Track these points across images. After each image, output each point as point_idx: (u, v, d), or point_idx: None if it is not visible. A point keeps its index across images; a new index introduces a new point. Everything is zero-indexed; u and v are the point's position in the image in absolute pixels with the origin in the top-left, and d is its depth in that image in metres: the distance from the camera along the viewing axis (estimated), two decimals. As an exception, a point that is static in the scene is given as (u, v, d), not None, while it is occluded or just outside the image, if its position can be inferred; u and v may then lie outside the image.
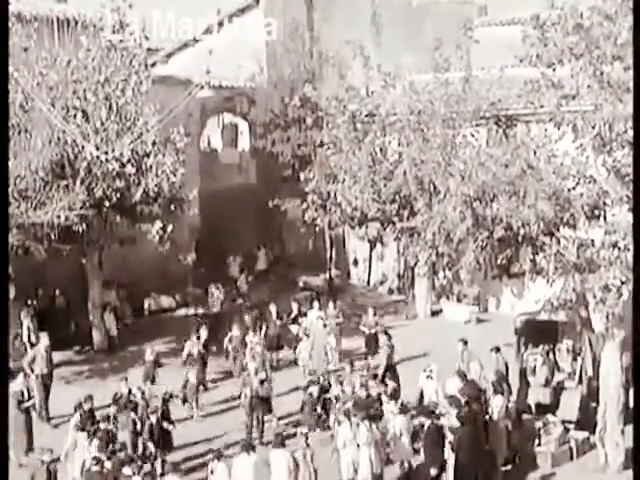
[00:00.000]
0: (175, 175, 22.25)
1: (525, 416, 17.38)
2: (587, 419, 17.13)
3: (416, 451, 16.02)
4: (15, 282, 19.78)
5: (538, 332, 19.86)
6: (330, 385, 18.19)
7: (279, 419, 18.34)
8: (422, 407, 17.12)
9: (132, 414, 16.53)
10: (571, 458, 16.66)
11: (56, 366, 20.29)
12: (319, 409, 17.82)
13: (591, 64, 14.79)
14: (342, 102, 25.17)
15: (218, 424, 18.66)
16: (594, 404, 16.92)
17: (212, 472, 14.66)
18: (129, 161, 21.44)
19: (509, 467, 16.13)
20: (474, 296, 26.81)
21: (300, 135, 29.50)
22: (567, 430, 17.01)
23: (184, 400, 18.74)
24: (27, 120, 20.69)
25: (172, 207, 22.91)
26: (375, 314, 22.32)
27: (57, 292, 24.70)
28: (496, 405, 15.97)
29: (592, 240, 15.91)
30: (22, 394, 17.05)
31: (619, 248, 14.57)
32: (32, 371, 19.16)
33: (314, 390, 17.92)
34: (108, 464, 14.20)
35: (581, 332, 18.04)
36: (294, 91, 29.56)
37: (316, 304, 23.07)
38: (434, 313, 27.33)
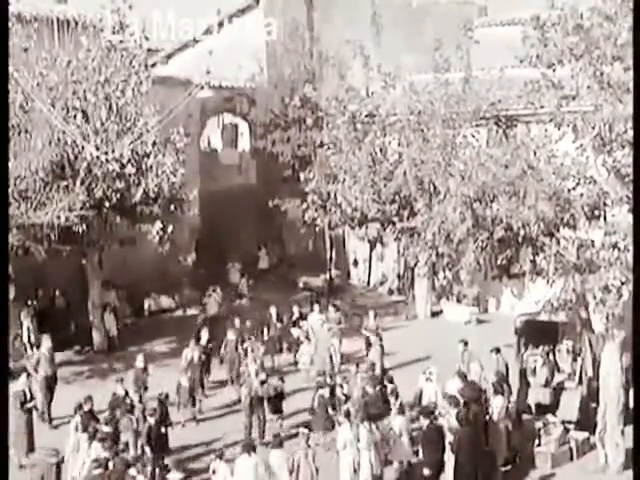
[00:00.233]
0: (175, 175, 22.25)
1: (525, 416, 17.37)
2: (587, 419, 17.12)
3: (415, 452, 15.98)
4: (15, 282, 19.78)
5: (538, 333, 19.85)
6: (342, 387, 18.14)
7: (279, 420, 18.33)
8: (421, 408, 17.11)
9: (131, 416, 16.52)
10: (571, 458, 16.65)
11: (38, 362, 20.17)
12: (330, 411, 17.77)
13: (591, 65, 14.79)
14: (342, 102, 25.18)
15: (215, 428, 18.58)
16: (594, 404, 16.92)
17: (214, 472, 14.66)
18: (129, 161, 21.44)
19: (509, 467, 16.11)
20: (474, 297, 26.81)
21: (300, 135, 29.53)
22: (567, 430, 17.00)
23: (178, 404, 18.48)
24: (27, 120, 20.69)
25: (172, 207, 22.90)
26: (376, 318, 22.22)
27: (57, 292, 24.69)
28: (496, 406, 15.96)
29: (592, 241, 15.91)
30: (24, 395, 17.01)
31: (619, 249, 14.57)
32: (37, 373, 19.11)
33: (325, 392, 17.86)
34: (111, 465, 14.20)
35: (581, 333, 18.03)
36: (294, 91, 29.59)
37: (317, 307, 22.99)
38: (434, 314, 27.33)
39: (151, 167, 22.04)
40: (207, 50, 26.33)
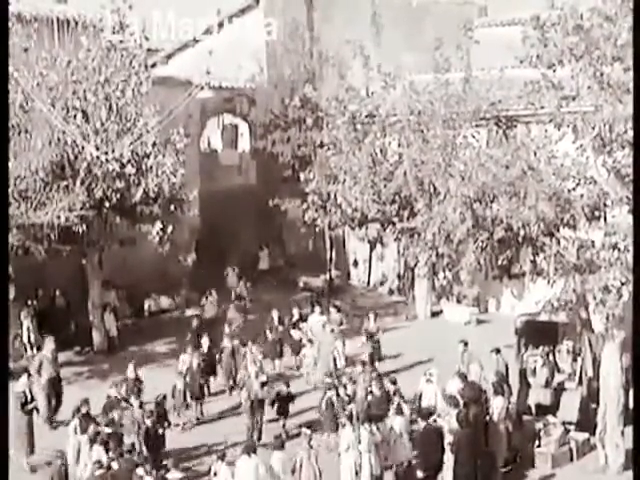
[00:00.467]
0: (175, 176, 22.25)
1: (525, 417, 17.36)
2: (587, 420, 17.12)
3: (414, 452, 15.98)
4: (15, 282, 19.78)
5: (538, 333, 19.84)
6: (346, 388, 18.07)
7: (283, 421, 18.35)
8: (418, 409, 17.10)
9: (133, 417, 16.52)
10: (571, 459, 16.65)
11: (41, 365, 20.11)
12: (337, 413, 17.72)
13: (591, 65, 14.78)
14: (342, 102, 25.17)
15: (215, 430, 18.53)
16: (594, 405, 16.92)
17: (215, 474, 14.64)
18: (129, 162, 21.43)
19: (509, 468, 16.10)
20: (474, 297, 26.80)
21: (300, 136, 29.52)
22: (567, 431, 17.00)
23: (173, 407, 18.22)
24: (27, 120, 20.70)
25: (172, 208, 22.89)
26: (376, 320, 22.17)
27: (57, 293, 24.68)
28: (496, 406, 15.96)
29: (592, 241, 15.92)
30: (25, 396, 16.98)
31: (619, 249, 14.57)
32: (39, 375, 19.05)
33: (333, 394, 17.83)
34: (115, 465, 14.21)
35: (581, 333, 18.03)
36: (294, 91, 29.59)
37: (317, 308, 22.91)
38: (434, 314, 27.32)
39: (151, 167, 22.03)
40: (207, 50, 26.32)
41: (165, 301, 27.60)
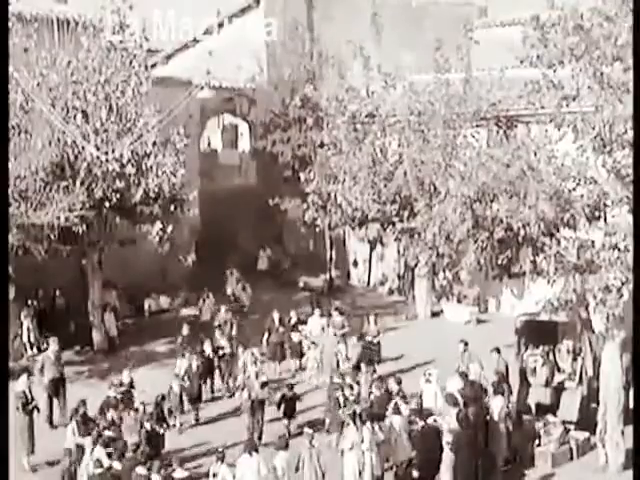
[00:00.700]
0: (175, 176, 22.25)
1: (525, 416, 17.36)
2: (587, 419, 17.13)
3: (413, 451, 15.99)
4: (15, 282, 19.79)
5: (538, 333, 19.82)
6: (352, 388, 18.07)
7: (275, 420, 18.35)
8: (419, 408, 17.11)
9: (135, 416, 16.53)
10: (571, 458, 16.66)
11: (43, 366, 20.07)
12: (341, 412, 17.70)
13: (591, 65, 14.80)
14: (342, 103, 25.18)
15: (213, 431, 18.54)
16: (594, 404, 16.93)
17: (214, 475, 14.63)
18: (129, 162, 21.43)
19: (509, 467, 16.12)
20: (474, 297, 26.81)
21: (300, 136, 29.53)
22: (567, 430, 17.01)
23: (168, 409, 17.94)
24: (27, 121, 20.71)
25: (172, 208, 22.90)
26: (376, 322, 22.10)
27: (57, 292, 24.70)
28: (496, 406, 15.97)
29: (592, 241, 15.93)
30: (25, 396, 16.97)
31: (619, 249, 14.58)
32: (42, 375, 19.07)
33: (339, 394, 17.83)
34: (117, 465, 14.22)
35: (581, 333, 18.02)
36: (294, 91, 29.60)
37: (317, 311, 22.82)
38: (434, 314, 27.33)
39: (151, 167, 22.03)
40: (207, 50, 26.39)
41: (165, 301, 27.60)
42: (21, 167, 19.99)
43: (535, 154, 16.63)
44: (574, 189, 16.13)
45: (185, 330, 20.91)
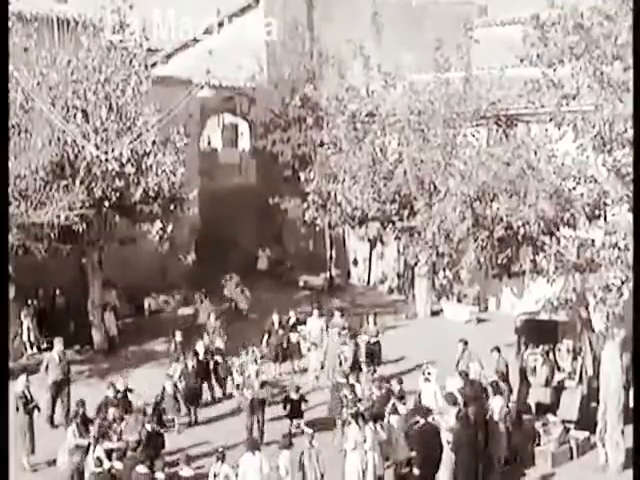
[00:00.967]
0: (175, 175, 22.25)
1: (525, 416, 17.36)
2: (587, 419, 17.13)
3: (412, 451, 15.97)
4: (15, 282, 19.79)
5: (538, 332, 19.84)
6: (354, 386, 18.04)
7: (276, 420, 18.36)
8: (416, 407, 17.09)
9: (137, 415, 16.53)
10: (571, 458, 16.66)
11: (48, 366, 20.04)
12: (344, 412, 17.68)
13: (591, 64, 14.81)
14: (342, 102, 25.18)
15: (211, 432, 18.53)
16: (594, 404, 16.92)
17: (215, 475, 14.62)
18: (129, 161, 21.41)
19: (509, 467, 16.11)
20: (474, 296, 26.82)
21: (300, 135, 29.53)
22: (567, 430, 17.01)
23: (163, 410, 17.84)
24: (27, 120, 20.69)
25: (172, 207, 22.88)
26: (376, 323, 22.02)
27: (57, 292, 24.68)
28: (496, 405, 15.96)
29: (592, 240, 15.94)
30: (25, 396, 16.96)
31: (619, 248, 14.58)
32: (47, 375, 19.05)
33: (342, 395, 17.81)
34: (118, 464, 14.22)
35: (581, 332, 18.02)
36: (294, 91, 29.59)
37: (316, 312, 22.68)
38: (434, 313, 27.33)
39: (151, 166, 22.03)
40: (207, 50, 26.37)
41: (165, 300, 27.58)
42: (21, 166, 19.98)
43: (535, 153, 16.64)
44: (574, 188, 16.13)
45: (178, 337, 20.64)
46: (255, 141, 32.31)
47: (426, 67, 24.70)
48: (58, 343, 19.41)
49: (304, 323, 22.61)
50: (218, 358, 20.48)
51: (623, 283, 14.43)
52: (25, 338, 23.10)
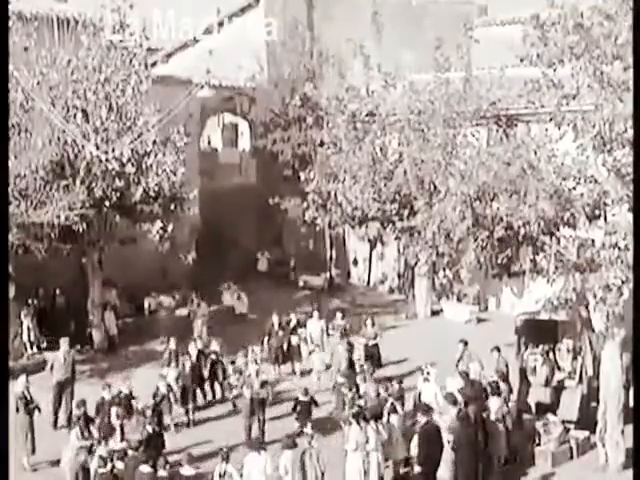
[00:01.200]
0: (175, 174, 22.26)
1: (525, 416, 17.36)
2: (587, 419, 17.13)
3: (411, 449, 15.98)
4: (15, 281, 19.81)
5: (538, 331, 19.85)
6: (358, 387, 18.03)
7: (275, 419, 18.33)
8: (418, 405, 17.08)
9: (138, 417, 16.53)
10: (571, 457, 16.66)
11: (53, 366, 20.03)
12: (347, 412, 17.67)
13: (591, 64, 14.79)
14: (342, 102, 25.18)
15: (209, 432, 18.55)
16: (594, 404, 16.93)
17: (220, 475, 14.62)
18: (129, 161, 21.42)
19: (509, 466, 16.11)
20: (474, 295, 26.82)
21: (300, 135, 29.53)
22: (567, 430, 17.01)
23: (158, 411, 17.60)
24: (27, 119, 20.70)
25: (172, 207, 22.89)
26: (374, 325, 21.96)
27: (57, 291, 24.66)
28: (494, 405, 15.96)
29: (592, 240, 15.93)
30: (25, 396, 16.95)
31: (619, 248, 14.57)
32: (51, 375, 19.06)
33: (344, 396, 17.81)
34: (120, 464, 14.22)
35: (581, 331, 18.03)
36: (294, 91, 29.59)
37: (316, 313, 22.63)
38: (434, 313, 27.33)
39: (151, 166, 22.04)
40: (207, 49, 26.33)
41: (165, 300, 27.55)
42: (21, 166, 19.99)
43: (535, 153, 16.62)
44: (574, 188, 16.12)
45: (172, 344, 20.49)
46: (255, 141, 32.31)
47: (426, 67, 24.70)
48: (64, 343, 19.40)
49: (304, 325, 22.59)
50: (216, 359, 20.43)
51: (623, 283, 14.42)
52: (25, 338, 23.07)
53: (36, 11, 23.51)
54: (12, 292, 20.08)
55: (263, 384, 18.15)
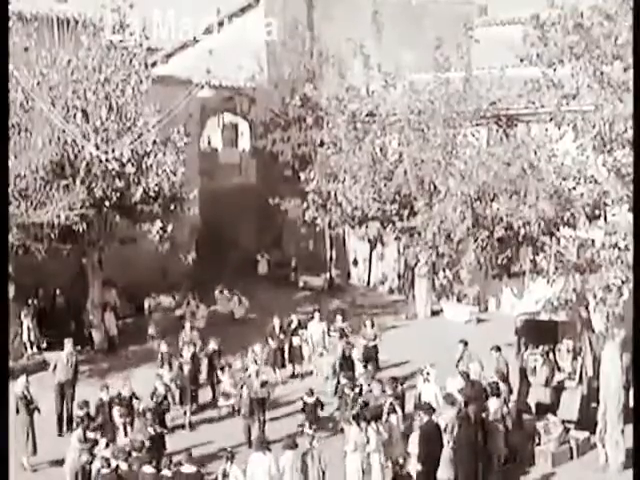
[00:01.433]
0: (175, 175, 22.26)
1: (525, 416, 17.35)
2: (587, 419, 17.14)
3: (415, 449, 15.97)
4: (15, 281, 19.80)
5: (538, 332, 19.84)
6: (361, 388, 18.02)
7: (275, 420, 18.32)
8: (419, 404, 17.09)
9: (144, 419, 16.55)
10: (571, 458, 16.66)
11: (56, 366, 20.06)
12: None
13: (591, 64, 14.79)
14: (342, 102, 25.19)
15: (207, 432, 18.59)
16: (594, 404, 16.93)
17: (225, 475, 14.61)
18: (129, 161, 21.43)
19: (509, 466, 16.11)
20: (474, 296, 26.80)
21: (300, 135, 29.53)
22: (567, 430, 17.01)
23: (159, 411, 17.57)
24: (27, 120, 20.70)
25: (172, 207, 22.89)
26: (373, 326, 21.90)
27: (57, 292, 24.67)
28: (492, 405, 15.95)
29: (592, 240, 15.92)
30: (25, 396, 16.94)
31: (619, 248, 14.57)
32: (54, 375, 19.04)
33: (345, 397, 17.79)
34: (123, 465, 14.23)
35: (581, 332, 18.02)
36: (294, 91, 29.59)
37: (317, 314, 22.58)
38: (434, 313, 27.32)
39: (151, 166, 22.04)
40: (207, 49, 26.31)
41: (165, 300, 27.53)
42: (21, 166, 19.99)
43: (535, 153, 16.61)
44: (574, 188, 16.11)
45: (163, 347, 20.57)
46: (255, 141, 32.31)
47: (426, 67, 24.69)
48: (68, 344, 19.38)
49: (305, 327, 22.55)
50: (216, 360, 20.41)
51: (623, 283, 14.42)
52: (25, 338, 23.06)
53: (36, 11, 23.51)
54: (12, 292, 20.04)
55: (263, 384, 18.13)
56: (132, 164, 21.55)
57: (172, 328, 23.28)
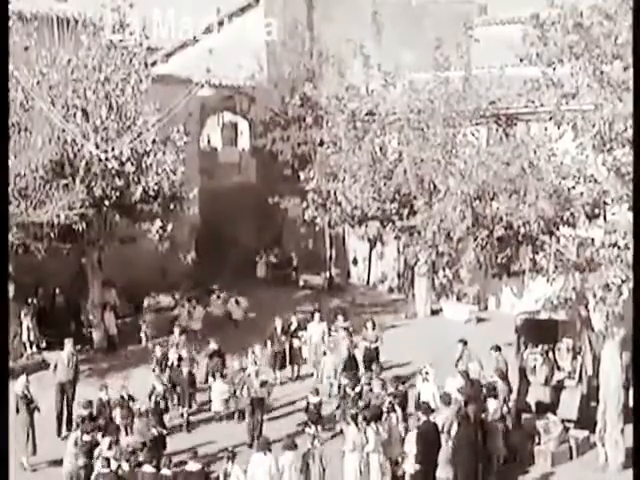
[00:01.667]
0: (175, 174, 22.25)
1: (525, 415, 17.37)
2: (587, 418, 17.14)
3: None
4: (15, 281, 19.81)
5: (538, 331, 19.82)
6: (363, 388, 18.01)
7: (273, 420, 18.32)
8: (418, 403, 17.09)
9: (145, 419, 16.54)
10: (571, 457, 16.68)
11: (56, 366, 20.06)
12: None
13: (591, 63, 14.79)
14: (342, 101, 25.19)
15: (205, 433, 18.59)
16: (594, 403, 16.94)
17: (226, 475, 14.62)
18: (129, 160, 21.42)
19: (509, 466, 16.12)
20: (474, 295, 26.81)
21: (300, 134, 29.52)
22: (567, 429, 17.02)
23: (158, 411, 17.59)
24: (27, 119, 20.69)
25: (172, 206, 22.88)
26: (374, 327, 21.74)
27: (57, 291, 24.66)
28: (491, 405, 15.95)
29: (592, 239, 15.94)
30: (25, 396, 16.93)
31: (619, 247, 14.58)
32: (55, 375, 19.04)
33: (346, 397, 17.80)
34: (125, 465, 14.23)
35: (581, 331, 18.02)
36: (294, 90, 29.58)
37: (317, 315, 22.46)
38: (434, 312, 27.32)
39: (151, 165, 22.03)
40: (207, 49, 26.28)
41: (165, 299, 27.53)
42: (21, 165, 19.98)
43: (535, 152, 16.62)
44: (574, 187, 16.11)
45: (158, 352, 20.52)
46: (255, 140, 32.29)
47: (426, 66, 24.71)
48: (68, 344, 19.36)
49: (305, 328, 22.50)
50: (215, 359, 20.37)
51: (623, 282, 14.43)
52: (25, 338, 23.05)
53: (36, 11, 23.50)
54: (12, 292, 20.05)
55: (262, 384, 18.13)
56: (132, 163, 21.55)
57: (168, 329, 23.21)
